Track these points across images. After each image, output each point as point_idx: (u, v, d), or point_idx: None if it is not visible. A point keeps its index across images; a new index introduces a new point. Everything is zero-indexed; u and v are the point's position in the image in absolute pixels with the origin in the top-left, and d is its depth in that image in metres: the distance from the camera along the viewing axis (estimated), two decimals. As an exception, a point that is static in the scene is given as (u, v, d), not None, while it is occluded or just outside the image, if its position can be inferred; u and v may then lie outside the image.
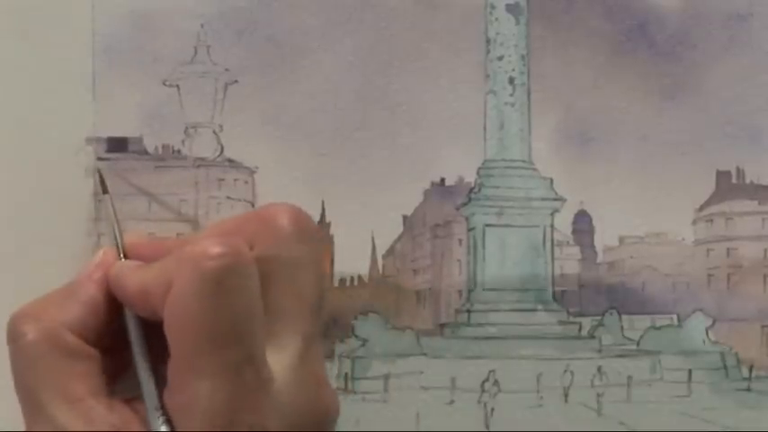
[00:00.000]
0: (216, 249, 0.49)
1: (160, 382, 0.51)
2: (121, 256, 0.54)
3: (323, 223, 1.48)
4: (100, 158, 1.46)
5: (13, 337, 0.53)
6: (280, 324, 0.51)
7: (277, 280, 0.52)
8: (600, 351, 1.53)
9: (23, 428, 0.52)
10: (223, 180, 1.50)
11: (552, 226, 1.55)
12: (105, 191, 0.59)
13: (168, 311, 0.49)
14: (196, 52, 1.47)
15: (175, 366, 0.49)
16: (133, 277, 0.52)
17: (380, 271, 1.51)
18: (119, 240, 0.55)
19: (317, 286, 0.54)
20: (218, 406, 0.49)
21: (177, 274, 0.49)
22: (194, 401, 0.49)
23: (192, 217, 1.50)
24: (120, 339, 0.52)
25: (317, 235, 0.55)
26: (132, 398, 0.52)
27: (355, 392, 1.46)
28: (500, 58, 1.54)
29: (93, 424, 0.50)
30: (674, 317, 1.52)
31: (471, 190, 1.52)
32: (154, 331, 0.51)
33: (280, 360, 0.51)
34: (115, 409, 0.51)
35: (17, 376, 0.52)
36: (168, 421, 0.50)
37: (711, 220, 1.54)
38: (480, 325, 1.53)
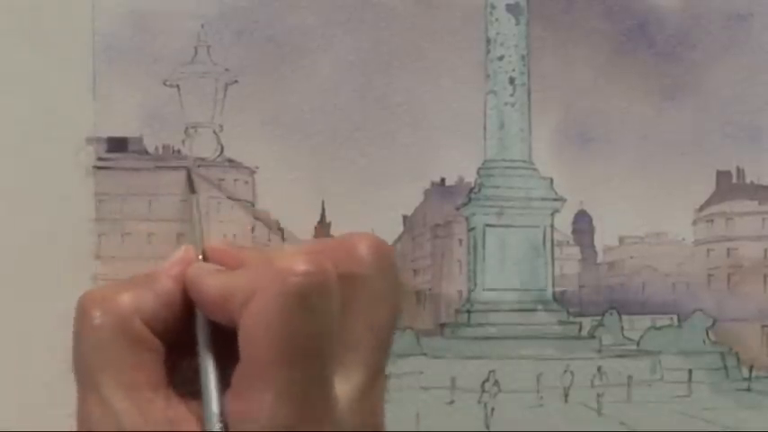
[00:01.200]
0: (303, 266, 0.49)
1: (223, 385, 0.51)
2: (201, 257, 0.54)
3: (323, 223, 1.48)
4: (100, 158, 1.46)
5: (82, 316, 0.53)
6: (350, 353, 0.52)
7: (354, 309, 0.52)
8: (600, 351, 1.53)
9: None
10: (223, 180, 1.50)
11: (552, 226, 1.55)
12: (193, 191, 0.59)
13: (247, 320, 0.50)
14: (196, 52, 1.48)
15: (244, 374, 0.50)
16: (213, 281, 0.52)
17: (380, 271, 1.51)
18: (200, 241, 0.55)
19: (392, 321, 0.54)
20: (280, 421, 0.49)
21: (262, 285, 0.49)
22: (257, 412, 0.49)
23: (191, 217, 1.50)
24: (185, 337, 0.53)
25: (396, 269, 0.55)
26: (190, 396, 0.52)
27: (355, 392, 1.46)
28: (500, 58, 1.54)
29: (148, 415, 0.51)
30: (674, 317, 1.52)
31: (471, 190, 1.52)
32: (221, 335, 0.52)
33: (344, 389, 0.51)
34: (171, 403, 0.51)
35: (78, 355, 0.52)
36: (225, 426, 0.50)
37: (711, 220, 1.54)
38: (480, 325, 1.53)
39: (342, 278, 0.51)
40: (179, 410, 0.52)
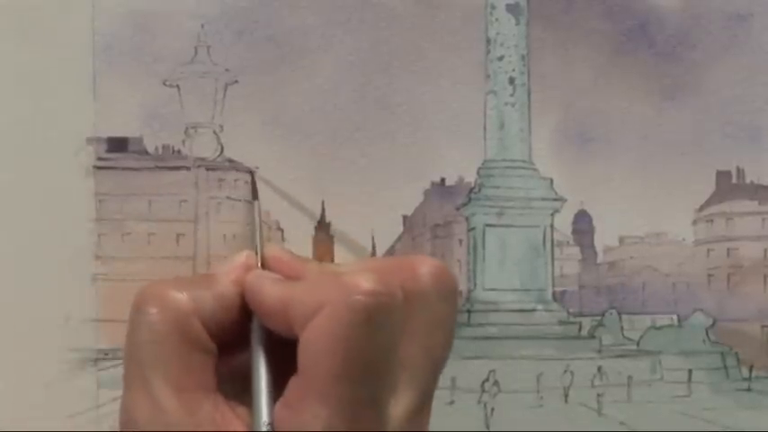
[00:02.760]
0: (372, 285, 0.49)
1: (274, 394, 0.51)
2: (259, 264, 0.54)
3: (323, 223, 1.48)
4: (100, 158, 1.46)
5: (139, 310, 0.52)
6: (405, 375, 0.52)
7: (413, 332, 0.52)
8: (600, 351, 1.53)
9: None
10: (223, 180, 1.50)
11: (552, 226, 1.55)
12: (256, 197, 0.59)
13: (311, 333, 0.50)
14: (196, 52, 1.48)
15: (300, 386, 0.50)
16: (273, 289, 0.52)
17: (380, 271, 1.51)
18: (260, 248, 0.55)
19: (447, 347, 0.55)
20: None
21: (329, 300, 0.50)
22: (309, 425, 0.49)
23: (191, 217, 1.50)
24: (239, 342, 0.53)
25: (456, 295, 0.55)
26: (238, 401, 0.52)
27: (355, 392, 1.46)
28: (500, 59, 1.54)
29: (196, 416, 0.51)
30: (674, 317, 1.52)
31: (471, 190, 1.52)
32: (274, 342, 0.52)
33: (395, 410, 0.51)
34: (220, 407, 0.51)
35: (131, 347, 0.52)
36: None
37: (711, 221, 1.54)
38: (480, 325, 1.53)
39: (404, 300, 0.51)
40: (227, 415, 0.52)
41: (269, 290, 0.52)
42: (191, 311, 0.52)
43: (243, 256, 0.55)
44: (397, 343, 0.51)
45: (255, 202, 0.58)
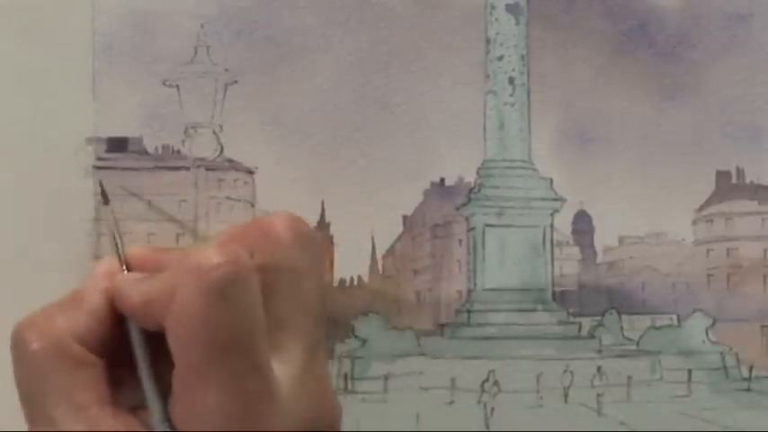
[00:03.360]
0: (217, 259, 0.49)
1: (165, 391, 0.51)
2: (124, 267, 0.54)
3: (323, 223, 1.48)
4: (100, 158, 1.46)
5: (19, 345, 0.53)
6: (283, 334, 0.51)
7: (278, 290, 0.52)
8: (600, 351, 1.53)
9: (25, 429, 0.52)
10: (223, 180, 1.50)
11: (552, 226, 1.55)
12: (106, 202, 0.59)
13: (171, 322, 0.49)
14: (196, 52, 1.48)
15: (180, 376, 0.50)
16: (135, 289, 0.52)
17: (380, 271, 1.51)
18: (120, 252, 0.55)
19: (319, 294, 0.54)
20: (225, 415, 0.49)
21: (179, 284, 0.49)
22: (200, 411, 0.49)
23: (191, 217, 1.50)
24: (125, 349, 0.53)
25: (316, 242, 0.55)
26: (138, 407, 0.52)
27: (355, 392, 1.46)
28: (500, 58, 1.54)
29: (100, 429, 0.51)
30: (674, 317, 1.52)
31: (471, 190, 1.52)
32: (158, 341, 0.52)
33: (284, 370, 0.51)
34: (120, 417, 0.51)
35: (21, 384, 0.52)
36: (173, 429, 0.50)
37: (711, 221, 1.54)
38: (480, 325, 1.53)
39: (262, 261, 0.51)
40: (129, 423, 0.52)
41: (130, 290, 0.52)
42: (65, 334, 0.52)
43: (104, 264, 0.55)
44: (260, 307, 0.50)
45: (107, 207, 0.58)
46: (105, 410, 0.51)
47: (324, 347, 0.53)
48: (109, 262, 0.55)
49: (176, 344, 0.49)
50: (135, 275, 0.54)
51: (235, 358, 0.49)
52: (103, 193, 0.59)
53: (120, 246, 0.55)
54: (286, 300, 0.52)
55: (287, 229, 0.53)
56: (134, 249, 0.55)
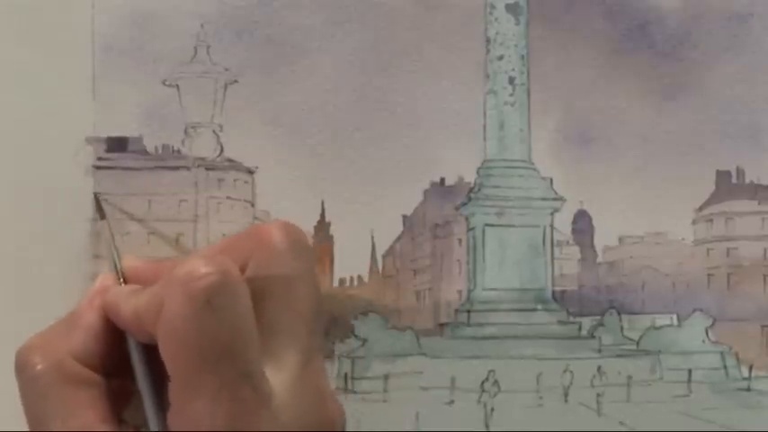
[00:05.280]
0: (202, 269, 0.49)
1: (166, 405, 0.51)
2: (121, 281, 0.54)
3: (323, 223, 1.48)
4: (100, 158, 1.46)
5: (22, 368, 0.53)
6: (278, 341, 0.51)
7: (272, 296, 0.52)
8: (600, 351, 1.53)
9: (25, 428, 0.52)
10: (223, 180, 1.50)
11: (552, 226, 1.55)
12: (103, 216, 0.59)
13: (161, 334, 0.49)
14: (196, 52, 1.47)
15: (174, 388, 0.50)
16: (127, 303, 0.52)
17: (380, 271, 1.51)
18: (117, 265, 0.55)
19: (314, 300, 0.53)
20: (219, 424, 0.49)
21: (167, 296, 0.49)
22: (195, 422, 0.49)
23: (191, 217, 1.50)
24: (126, 365, 0.52)
25: (310, 250, 0.54)
26: (139, 419, 0.52)
27: (355, 392, 1.46)
28: (500, 58, 1.54)
29: None
30: (674, 317, 1.52)
31: (471, 190, 1.52)
32: (157, 355, 0.52)
33: (280, 377, 0.51)
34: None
35: (27, 407, 0.52)
36: None
37: (711, 220, 1.54)
38: (480, 325, 1.53)
39: (256, 267, 0.51)
40: None
41: (123, 304, 0.52)
42: (64, 354, 0.52)
43: (99, 281, 0.55)
44: (250, 315, 0.50)
45: (104, 222, 0.58)
46: (109, 428, 0.51)
47: (320, 354, 0.53)
48: (103, 279, 0.55)
49: (167, 354, 0.49)
50: (129, 288, 0.54)
51: (224, 366, 0.49)
52: (99, 208, 0.59)
53: (116, 259, 0.55)
54: (280, 306, 0.52)
55: (281, 236, 0.53)
56: (130, 261, 0.55)
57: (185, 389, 0.49)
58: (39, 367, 0.52)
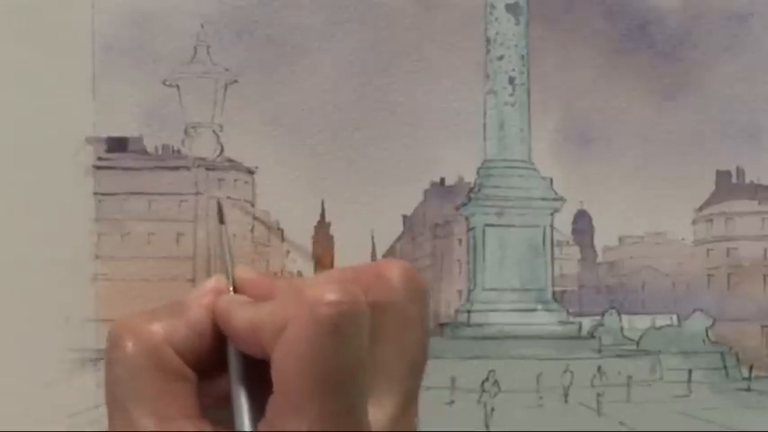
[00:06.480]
0: (335, 296, 0.49)
1: (254, 415, 0.51)
2: (231, 288, 0.54)
3: (323, 223, 1.48)
4: (100, 158, 1.46)
5: (114, 347, 0.52)
6: (383, 380, 0.52)
7: (385, 336, 0.52)
8: (600, 351, 1.53)
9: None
10: (223, 180, 1.50)
11: (552, 226, 1.55)
12: (222, 221, 0.59)
13: (280, 352, 0.49)
14: (196, 52, 1.48)
15: (277, 404, 0.50)
16: (243, 313, 0.52)
17: (380, 271, 1.51)
18: (230, 272, 0.55)
19: (423, 345, 0.54)
20: None
21: (293, 316, 0.49)
22: None
23: (191, 217, 1.51)
24: (217, 368, 0.52)
25: (427, 294, 0.55)
26: (219, 423, 0.52)
27: (355, 392, 1.46)
28: (500, 58, 1.54)
29: None
30: (674, 317, 1.53)
31: (471, 190, 1.52)
32: (252, 364, 0.52)
33: (379, 416, 0.51)
34: None
35: (110, 383, 0.52)
36: None
37: (711, 220, 1.54)
38: (480, 325, 1.53)
39: (372, 305, 0.51)
40: None
41: (238, 314, 0.52)
42: (163, 341, 0.52)
43: (213, 281, 0.55)
44: (368, 350, 0.50)
45: (222, 227, 0.58)
46: (190, 424, 0.52)
47: (417, 403, 0.54)
48: (217, 280, 0.55)
49: (280, 373, 0.49)
50: (241, 298, 0.54)
51: (334, 397, 0.49)
52: (220, 213, 0.59)
53: (230, 266, 0.55)
54: (390, 347, 0.52)
55: (400, 277, 0.53)
56: (243, 272, 0.55)
57: (288, 408, 0.49)
58: (132, 349, 0.52)
